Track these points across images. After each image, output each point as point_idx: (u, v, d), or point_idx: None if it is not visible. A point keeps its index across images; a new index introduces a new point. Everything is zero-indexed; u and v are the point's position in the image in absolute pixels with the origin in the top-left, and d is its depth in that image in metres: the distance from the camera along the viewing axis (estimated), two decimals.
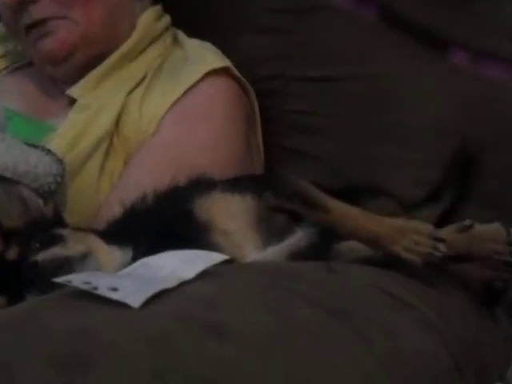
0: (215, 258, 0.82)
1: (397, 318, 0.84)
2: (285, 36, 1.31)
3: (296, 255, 1.00)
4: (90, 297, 0.68)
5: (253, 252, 0.99)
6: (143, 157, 1.20)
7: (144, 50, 1.30)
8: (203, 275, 0.76)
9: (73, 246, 0.93)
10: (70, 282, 0.70)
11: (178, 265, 0.77)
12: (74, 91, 1.26)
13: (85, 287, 0.68)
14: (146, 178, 1.13)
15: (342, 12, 1.25)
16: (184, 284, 0.73)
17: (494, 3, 1.28)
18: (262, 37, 1.33)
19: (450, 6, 1.26)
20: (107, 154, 1.21)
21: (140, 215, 1.04)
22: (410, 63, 1.26)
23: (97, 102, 1.24)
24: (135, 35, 1.29)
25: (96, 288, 0.68)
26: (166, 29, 1.34)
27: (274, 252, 0.99)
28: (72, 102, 1.26)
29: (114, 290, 0.67)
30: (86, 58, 1.26)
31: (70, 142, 1.21)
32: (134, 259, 0.94)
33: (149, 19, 1.31)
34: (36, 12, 1.23)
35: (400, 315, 0.85)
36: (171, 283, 0.72)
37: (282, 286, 0.80)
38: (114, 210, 1.04)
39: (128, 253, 0.97)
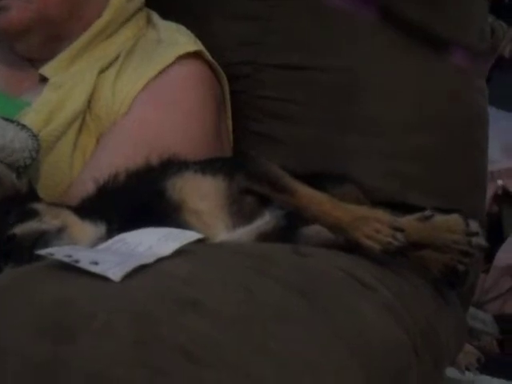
0: (190, 236, 0.85)
1: (360, 300, 0.88)
2: (259, 23, 1.33)
3: (264, 237, 1.03)
4: (70, 269, 0.71)
5: (222, 232, 1.02)
6: (115, 136, 1.22)
7: (117, 30, 1.31)
8: (179, 253, 0.79)
9: (48, 220, 0.95)
10: (52, 254, 0.72)
11: (154, 241, 0.80)
12: (46, 70, 1.27)
13: (67, 260, 0.70)
14: (117, 156, 1.16)
15: (320, 3, 1.28)
16: (161, 260, 0.76)
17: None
18: (236, 22, 1.35)
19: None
20: (80, 131, 1.23)
21: (113, 193, 1.06)
22: (384, 58, 1.30)
23: (70, 80, 1.26)
24: (106, 15, 1.30)
25: (77, 261, 0.70)
26: (140, 9, 1.36)
27: (243, 233, 1.03)
28: (45, 78, 1.27)
29: (95, 263, 0.70)
30: (46, 37, 1.27)
31: (44, 118, 1.22)
32: (108, 235, 0.97)
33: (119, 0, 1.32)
34: None
35: (363, 298, 0.89)
36: (149, 259, 0.74)
37: (253, 266, 0.83)
38: (87, 187, 1.07)
39: (102, 228, 1.00)
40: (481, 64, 1.42)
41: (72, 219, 0.99)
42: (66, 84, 1.25)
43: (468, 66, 1.32)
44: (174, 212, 1.02)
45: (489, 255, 2.04)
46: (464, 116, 1.33)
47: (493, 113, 2.07)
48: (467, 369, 1.37)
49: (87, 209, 1.03)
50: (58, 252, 0.72)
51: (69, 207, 1.03)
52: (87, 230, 0.98)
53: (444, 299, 1.14)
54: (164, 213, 1.02)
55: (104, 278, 0.69)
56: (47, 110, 1.23)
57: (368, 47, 1.31)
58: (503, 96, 2.39)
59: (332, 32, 1.31)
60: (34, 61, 1.30)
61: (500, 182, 2.14)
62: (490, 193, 2.12)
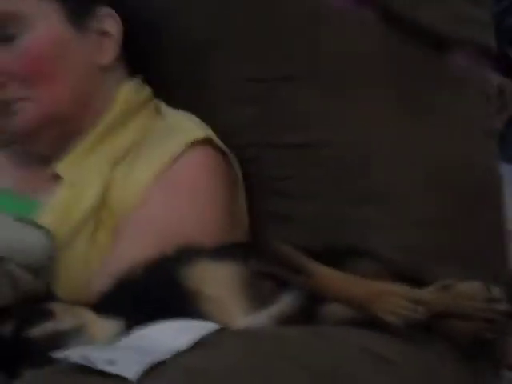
0: (207, 327, 0.84)
1: (381, 378, 0.87)
2: (259, 104, 1.35)
3: (283, 320, 1.02)
4: (86, 371, 0.70)
5: (241, 318, 1.01)
6: (130, 229, 1.22)
7: (127, 121, 1.33)
8: (196, 345, 0.78)
9: (65, 319, 0.95)
10: (67, 356, 0.72)
11: (171, 335, 0.79)
12: (59, 168, 1.29)
13: (82, 361, 0.70)
14: (133, 250, 1.16)
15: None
16: (178, 354, 0.75)
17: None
18: (237, 106, 1.37)
19: None
20: (96, 227, 1.24)
21: (130, 288, 1.06)
22: (390, 124, 1.30)
23: (82, 178, 1.27)
24: (115, 109, 1.32)
25: (93, 362, 0.70)
26: (148, 100, 1.38)
27: (262, 318, 1.02)
28: (58, 176, 1.29)
29: (111, 362, 0.69)
30: (57, 134, 1.29)
31: (59, 216, 1.23)
32: (127, 330, 0.96)
33: (128, 92, 1.34)
34: (3, 93, 1.26)
35: (384, 375, 0.88)
36: (166, 354, 0.74)
37: (271, 352, 0.82)
38: (104, 284, 1.07)
39: (120, 324, 0.99)
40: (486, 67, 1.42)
41: (89, 317, 0.98)
42: (80, 181, 1.27)
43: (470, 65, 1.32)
44: (190, 301, 1.01)
45: None
46: (476, 179, 1.33)
47: (509, 171, 2.07)
48: None
49: (105, 305, 1.03)
50: (74, 353, 0.71)
51: (86, 305, 1.03)
52: (105, 327, 0.98)
53: (473, 369, 1.11)
54: (181, 303, 1.01)
55: (121, 378, 0.68)
56: (62, 209, 1.24)
57: (370, 117, 1.31)
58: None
59: (332, 106, 1.32)
60: (46, 159, 1.32)
61: None
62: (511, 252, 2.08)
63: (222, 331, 0.89)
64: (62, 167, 1.29)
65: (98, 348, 0.80)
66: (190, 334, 0.80)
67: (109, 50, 1.32)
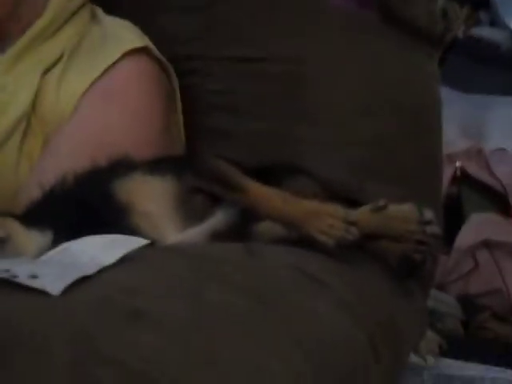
0: (136, 242, 0.83)
1: (315, 299, 0.87)
2: (205, 16, 1.31)
3: (216, 236, 1.02)
4: (8, 285, 0.68)
5: (173, 234, 1.00)
6: (61, 138, 1.19)
7: (59, 28, 1.27)
8: (123, 260, 0.77)
9: None
10: None
11: (98, 250, 0.78)
12: None
13: (4, 275, 0.68)
14: (64, 160, 1.13)
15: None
16: (104, 270, 0.74)
17: None
18: (182, 16, 1.32)
19: None
20: (25, 135, 1.20)
21: (60, 198, 1.04)
22: (332, 45, 1.28)
23: (12, 83, 1.22)
24: (47, 14, 1.26)
25: (15, 276, 0.68)
26: (83, 5, 1.32)
27: (195, 233, 1.01)
28: None
29: (34, 277, 0.68)
30: None
31: None
32: (55, 243, 0.95)
33: None
34: None
35: (318, 296, 0.88)
36: (91, 270, 0.72)
37: (201, 269, 0.81)
38: (33, 194, 1.04)
39: (48, 236, 0.97)
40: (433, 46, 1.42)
41: (16, 228, 0.96)
42: (9, 87, 1.22)
43: None
44: (122, 215, 1.00)
45: (449, 237, 2.04)
46: (415, 102, 1.32)
47: (448, 94, 2.08)
48: (429, 355, 1.37)
49: (33, 216, 1.00)
50: None
51: (14, 215, 1.00)
52: (33, 239, 0.96)
53: (403, 289, 1.13)
54: (113, 217, 1.00)
55: (43, 293, 0.66)
56: None
57: (317, 34, 1.29)
58: (458, 77, 2.40)
59: (280, 20, 1.29)
60: None
61: (458, 164, 2.14)
62: (448, 174, 2.12)
63: (151, 247, 0.87)
64: None
65: (21, 261, 0.78)
66: (118, 249, 0.79)
67: None
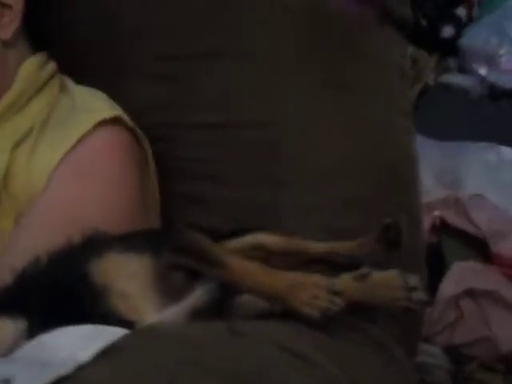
0: (114, 332, 0.79)
1: (303, 379, 0.84)
2: (172, 83, 1.29)
3: (196, 313, 0.98)
4: None
5: (152, 314, 0.97)
6: (33, 216, 1.16)
7: (29, 100, 1.25)
8: (102, 354, 0.73)
9: None
10: None
11: (76, 344, 0.74)
12: None
13: None
14: (37, 238, 1.09)
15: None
16: (80, 367, 0.70)
17: None
18: (154, 83, 1.31)
19: None
20: None
21: (32, 280, 1.00)
22: (306, 106, 1.27)
23: None
24: (16, 86, 1.24)
25: None
26: (52, 76, 1.30)
27: (174, 312, 0.98)
28: None
29: (7, 381, 0.64)
30: None
31: None
32: (30, 330, 0.91)
33: (30, 68, 1.26)
34: None
35: (306, 376, 0.85)
36: (66, 368, 0.68)
37: (185, 359, 0.78)
38: (4, 277, 1.00)
39: (22, 324, 0.93)
40: None
41: None
42: None
43: None
44: (99, 298, 0.96)
45: (432, 287, 2.02)
46: (391, 160, 1.31)
47: (422, 142, 2.07)
48: None
49: (4, 303, 0.96)
50: None
51: None
52: (6, 327, 0.92)
53: (389, 354, 1.11)
54: (89, 299, 0.96)
55: None
56: None
57: (286, 97, 1.27)
58: (431, 124, 2.40)
59: (248, 86, 1.27)
60: None
61: (437, 213, 2.13)
62: (427, 224, 2.10)
63: (128, 337, 0.84)
64: None
65: None
66: (96, 341, 0.75)
67: (9, 24, 1.23)
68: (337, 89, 1.30)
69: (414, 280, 1.03)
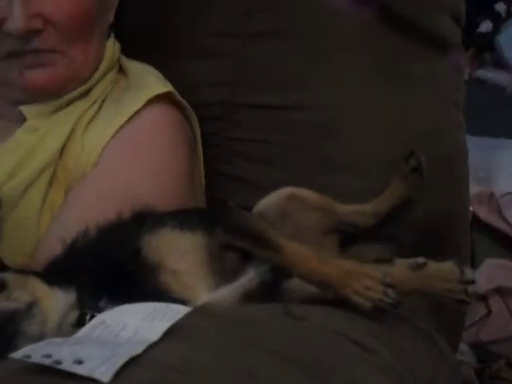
0: (177, 311, 0.77)
1: (362, 367, 0.82)
2: (230, 61, 1.27)
3: (248, 295, 0.97)
4: (51, 372, 0.62)
5: (204, 294, 0.95)
6: (84, 189, 1.14)
7: (101, 80, 1.24)
8: (169, 334, 0.71)
9: (17, 295, 0.87)
10: (29, 357, 0.63)
11: (139, 323, 0.72)
12: (28, 111, 1.18)
13: (47, 362, 0.61)
14: (86, 211, 1.07)
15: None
16: (151, 347, 0.68)
17: None
18: (206, 61, 1.28)
19: None
20: (50, 183, 1.14)
21: (82, 253, 0.98)
22: (360, 93, 1.25)
23: (46, 126, 1.17)
24: (102, 67, 1.23)
25: (59, 362, 0.62)
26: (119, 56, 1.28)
27: (226, 293, 0.96)
28: (21, 119, 1.18)
29: (79, 362, 0.61)
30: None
31: (16, 161, 1.14)
32: (79, 300, 0.90)
33: (111, 49, 1.26)
34: (40, 42, 1.14)
35: (365, 364, 0.83)
36: (138, 349, 0.66)
37: (249, 340, 0.76)
38: (54, 248, 0.98)
39: (72, 294, 0.92)
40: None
41: (40, 289, 0.90)
42: (42, 129, 1.17)
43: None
44: (150, 273, 0.94)
45: None
46: (444, 153, 1.28)
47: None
48: None
49: (55, 273, 0.94)
50: (36, 353, 0.62)
51: (36, 273, 0.94)
52: (57, 298, 0.90)
53: (438, 348, 1.09)
54: (140, 274, 0.94)
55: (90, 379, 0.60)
56: (15, 158, 1.14)
57: (344, 83, 1.25)
58: (465, 119, 2.37)
59: (306, 69, 1.25)
60: (17, 102, 1.19)
61: (470, 208, 2.11)
62: None
63: (192, 316, 0.81)
64: (30, 110, 1.18)
65: (61, 342, 0.71)
66: (160, 321, 0.73)
67: (114, 6, 1.24)
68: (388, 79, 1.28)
69: (470, 273, 1.00)
